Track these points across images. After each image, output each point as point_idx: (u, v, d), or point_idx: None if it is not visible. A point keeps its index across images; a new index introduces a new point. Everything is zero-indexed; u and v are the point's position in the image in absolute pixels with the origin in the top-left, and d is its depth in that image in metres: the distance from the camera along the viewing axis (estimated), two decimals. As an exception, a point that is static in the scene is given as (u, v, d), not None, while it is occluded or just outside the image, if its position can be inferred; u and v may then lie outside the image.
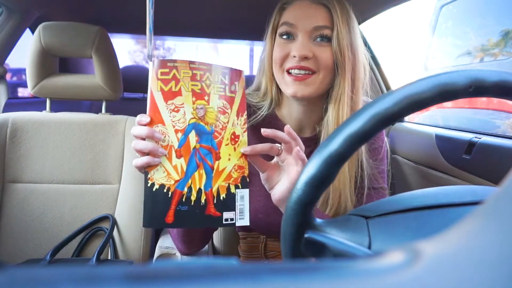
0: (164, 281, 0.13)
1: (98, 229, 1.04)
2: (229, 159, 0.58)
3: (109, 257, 1.00)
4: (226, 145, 0.58)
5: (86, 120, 1.10)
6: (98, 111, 1.17)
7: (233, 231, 0.98)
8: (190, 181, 0.55)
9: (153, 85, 0.54)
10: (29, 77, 1.08)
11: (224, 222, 0.57)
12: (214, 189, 0.57)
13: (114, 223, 1.03)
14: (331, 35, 0.69)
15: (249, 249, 0.88)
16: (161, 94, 0.54)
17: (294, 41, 0.70)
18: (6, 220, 1.03)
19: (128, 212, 1.04)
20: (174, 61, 0.54)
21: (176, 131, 0.55)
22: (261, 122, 0.79)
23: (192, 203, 0.55)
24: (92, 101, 1.52)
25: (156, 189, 0.54)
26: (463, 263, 0.13)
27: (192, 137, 0.55)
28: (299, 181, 0.34)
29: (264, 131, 0.57)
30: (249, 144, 0.62)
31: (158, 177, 0.54)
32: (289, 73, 0.71)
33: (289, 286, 0.13)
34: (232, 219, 0.58)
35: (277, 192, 0.60)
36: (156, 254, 0.92)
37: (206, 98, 0.56)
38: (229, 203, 0.57)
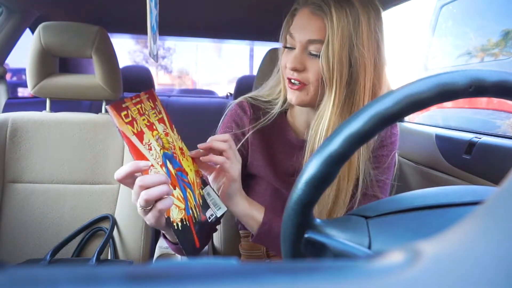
0: (164, 281, 0.13)
1: (98, 229, 1.04)
2: (190, 170, 0.63)
3: (109, 257, 1.00)
4: (182, 159, 0.62)
5: (86, 120, 1.10)
6: (98, 111, 1.17)
7: (234, 230, 0.98)
8: (189, 203, 0.59)
9: (126, 131, 0.52)
10: (29, 77, 1.08)
11: (209, 221, 0.63)
12: (197, 199, 0.62)
13: (114, 223, 1.03)
14: (321, 50, 0.67)
15: (250, 247, 0.88)
16: (136, 138, 0.53)
17: (292, 52, 0.71)
18: (6, 220, 1.03)
19: (128, 212, 1.05)
20: (123, 101, 0.54)
21: (161, 166, 0.56)
22: (269, 125, 0.79)
23: (197, 220, 0.60)
24: (92, 101, 1.52)
25: (180, 225, 0.57)
26: (463, 263, 0.13)
27: (170, 166, 0.58)
28: (299, 181, 0.34)
29: (200, 145, 0.62)
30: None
31: (176, 216, 0.56)
32: (289, 80, 0.72)
33: (289, 286, 0.13)
34: (212, 215, 0.64)
35: (222, 191, 0.65)
36: (156, 254, 0.92)
37: (154, 127, 0.58)
38: (204, 204, 0.64)
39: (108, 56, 1.11)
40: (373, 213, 0.36)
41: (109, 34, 1.13)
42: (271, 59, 1.13)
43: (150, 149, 0.55)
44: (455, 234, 0.15)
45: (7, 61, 1.43)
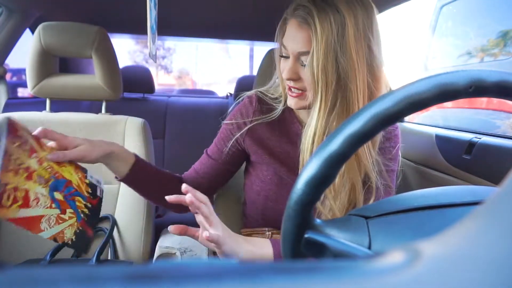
0: (164, 281, 0.13)
1: (98, 229, 1.04)
2: (71, 174, 0.70)
3: (109, 257, 1.00)
4: (61, 170, 0.67)
5: (86, 120, 1.10)
6: (98, 111, 1.17)
7: (234, 230, 0.98)
8: (79, 210, 0.68)
9: (12, 217, 0.58)
10: (29, 77, 1.08)
11: (101, 197, 0.74)
12: (85, 192, 0.71)
13: (114, 223, 1.03)
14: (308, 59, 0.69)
15: None
16: (24, 210, 0.60)
17: (287, 61, 0.73)
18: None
19: (128, 212, 1.04)
20: None
21: (50, 206, 0.64)
22: (276, 119, 0.83)
23: (89, 211, 0.70)
24: (92, 101, 1.52)
25: (75, 237, 0.66)
26: (463, 263, 0.13)
27: (58, 195, 0.66)
28: (299, 181, 0.34)
29: (169, 198, 0.62)
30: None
31: (69, 235, 0.65)
32: (289, 87, 0.75)
33: (289, 286, 0.13)
34: (102, 190, 0.75)
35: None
36: (156, 254, 0.92)
37: (31, 169, 0.63)
38: (92, 188, 0.73)
39: (108, 56, 1.11)
40: (373, 213, 0.36)
41: (109, 34, 1.13)
42: (271, 59, 1.13)
43: (38, 200, 0.61)
44: (455, 234, 0.15)
45: (7, 61, 1.43)
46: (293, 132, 0.84)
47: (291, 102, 0.76)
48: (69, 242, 0.65)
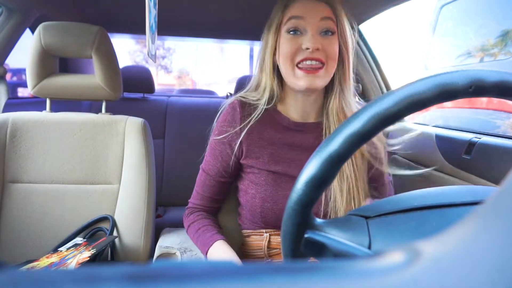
0: (164, 281, 0.13)
1: (98, 229, 1.04)
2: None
3: (109, 258, 1.00)
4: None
5: (86, 120, 1.10)
6: (98, 111, 1.17)
7: (235, 230, 0.98)
8: None
9: None
10: (29, 77, 1.08)
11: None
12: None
13: (114, 223, 1.03)
14: (335, 28, 0.76)
15: (251, 248, 0.89)
16: None
17: (303, 35, 0.75)
18: (6, 220, 1.03)
19: (128, 212, 1.04)
20: None
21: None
22: (261, 118, 0.83)
23: None
24: (92, 101, 1.52)
25: None
26: (463, 263, 0.13)
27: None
28: (299, 181, 0.34)
29: None
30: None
31: None
32: (299, 67, 0.75)
33: (289, 286, 0.13)
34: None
35: None
36: (156, 254, 0.92)
37: None
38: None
39: (108, 56, 1.10)
40: (373, 213, 0.36)
41: (109, 34, 1.13)
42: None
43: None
44: (455, 234, 0.15)
45: (7, 61, 1.43)
46: (283, 126, 0.85)
47: (306, 82, 0.74)
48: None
